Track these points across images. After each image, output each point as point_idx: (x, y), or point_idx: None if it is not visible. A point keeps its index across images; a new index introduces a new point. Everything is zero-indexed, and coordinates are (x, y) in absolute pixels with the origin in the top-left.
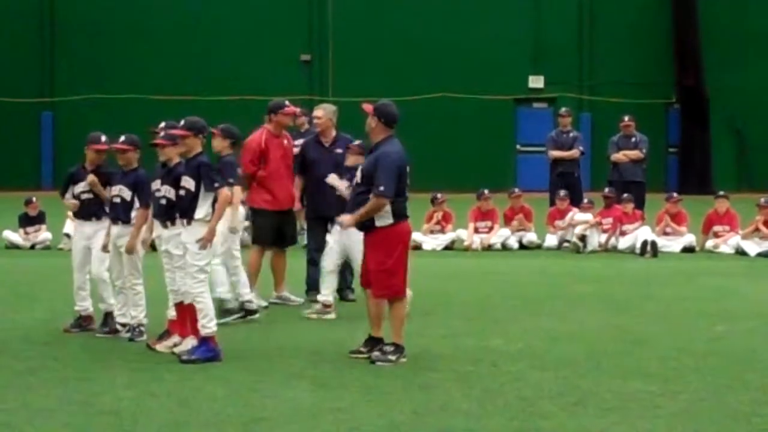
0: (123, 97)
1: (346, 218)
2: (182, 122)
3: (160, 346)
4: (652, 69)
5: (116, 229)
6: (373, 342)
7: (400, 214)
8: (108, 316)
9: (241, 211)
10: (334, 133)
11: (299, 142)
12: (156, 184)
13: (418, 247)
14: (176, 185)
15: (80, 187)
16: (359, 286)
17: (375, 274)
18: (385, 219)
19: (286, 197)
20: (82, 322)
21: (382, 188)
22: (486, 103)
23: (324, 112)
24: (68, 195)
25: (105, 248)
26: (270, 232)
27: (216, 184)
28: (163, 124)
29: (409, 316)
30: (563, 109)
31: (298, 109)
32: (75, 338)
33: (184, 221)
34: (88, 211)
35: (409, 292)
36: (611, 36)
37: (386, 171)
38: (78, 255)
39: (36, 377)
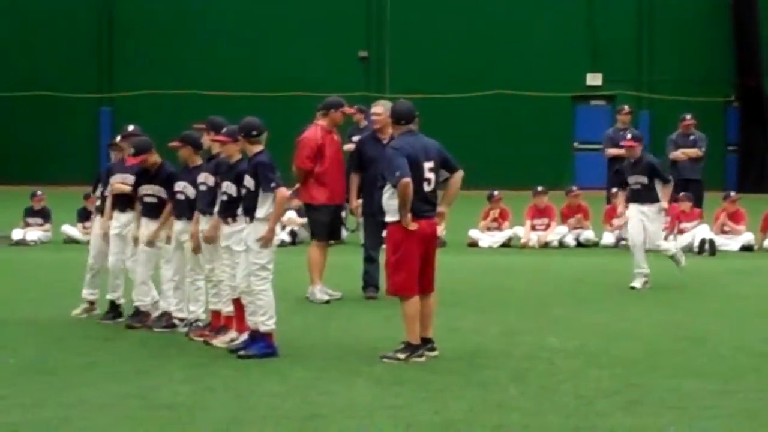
0: (180, 93)
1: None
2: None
3: (217, 341)
4: (712, 67)
5: (180, 225)
6: (424, 342)
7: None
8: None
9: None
10: (391, 130)
11: (356, 138)
12: (201, 178)
13: (474, 244)
14: (239, 182)
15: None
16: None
17: (385, 269)
18: (392, 215)
19: (340, 191)
20: (143, 318)
21: (398, 173)
22: (543, 101)
23: (383, 109)
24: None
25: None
26: (328, 226)
27: (272, 185)
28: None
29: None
30: (623, 107)
31: (353, 109)
32: (133, 333)
33: (247, 219)
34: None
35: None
36: (670, 33)
37: (390, 159)
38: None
39: (94, 372)
